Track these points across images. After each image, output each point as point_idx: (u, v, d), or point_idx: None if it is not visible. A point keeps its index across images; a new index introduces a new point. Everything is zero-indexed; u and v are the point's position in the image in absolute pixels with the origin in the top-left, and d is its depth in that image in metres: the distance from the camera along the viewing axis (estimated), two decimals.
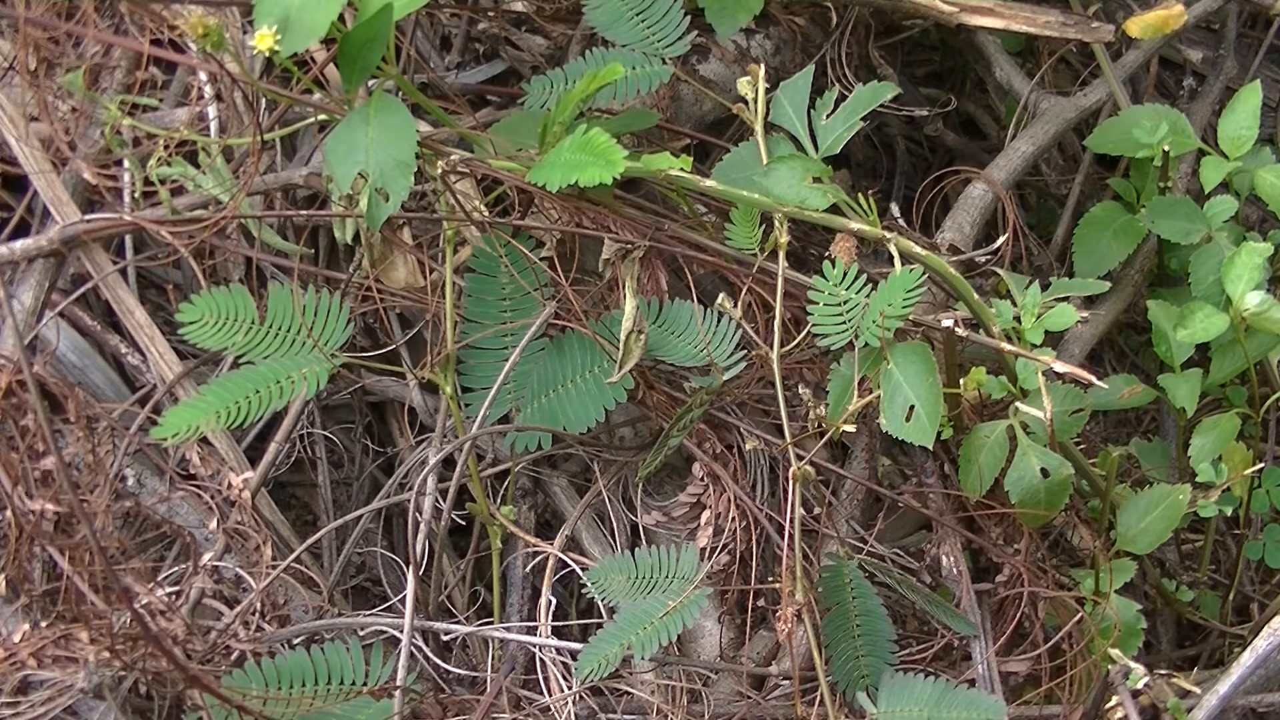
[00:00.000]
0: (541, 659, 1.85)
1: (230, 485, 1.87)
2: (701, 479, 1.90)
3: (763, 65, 1.88)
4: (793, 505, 1.73)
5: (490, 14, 2.18)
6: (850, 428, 1.73)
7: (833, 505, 1.88)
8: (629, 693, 1.85)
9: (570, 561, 1.89)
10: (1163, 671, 1.78)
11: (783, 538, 1.77)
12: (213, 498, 1.88)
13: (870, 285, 1.75)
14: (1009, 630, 1.83)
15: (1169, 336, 1.92)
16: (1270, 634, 1.75)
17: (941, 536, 1.87)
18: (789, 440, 1.74)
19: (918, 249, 1.74)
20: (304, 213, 1.96)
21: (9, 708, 1.66)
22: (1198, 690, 1.75)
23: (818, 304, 1.76)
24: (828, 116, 1.87)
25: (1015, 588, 1.84)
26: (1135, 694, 1.72)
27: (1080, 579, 1.87)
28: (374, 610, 1.90)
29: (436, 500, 1.87)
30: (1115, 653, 1.75)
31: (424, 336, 1.94)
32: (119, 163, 1.97)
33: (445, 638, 1.89)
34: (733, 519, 1.86)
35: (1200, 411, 1.94)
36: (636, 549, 1.85)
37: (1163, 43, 2.27)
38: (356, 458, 2.05)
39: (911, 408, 1.68)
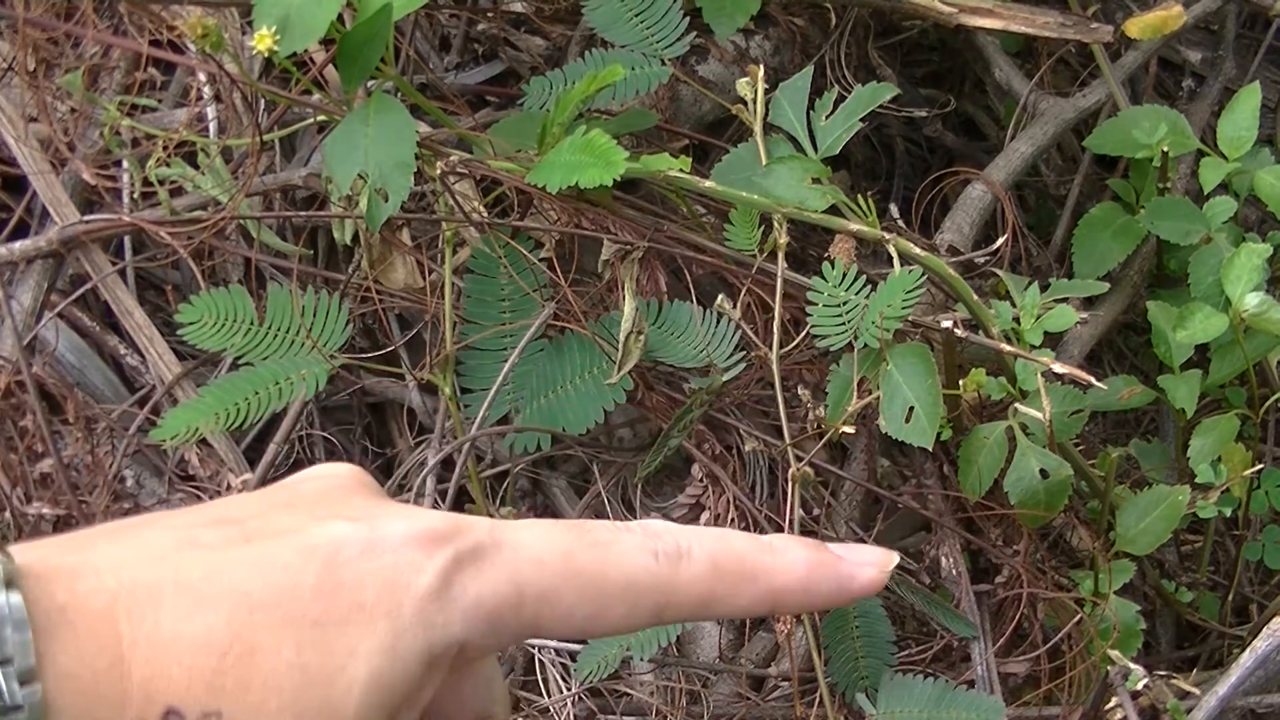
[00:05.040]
0: (540, 660, 1.85)
1: (229, 486, 1.86)
2: (700, 480, 1.90)
3: (762, 66, 1.87)
4: (792, 506, 1.73)
5: (489, 15, 2.17)
6: (849, 429, 1.72)
7: (832, 506, 1.88)
8: (628, 694, 1.85)
9: None
10: (1162, 672, 1.78)
11: None
12: (212, 498, 1.87)
13: (869, 286, 1.75)
14: (1008, 631, 1.83)
15: (1168, 337, 1.92)
16: (1269, 635, 1.75)
17: (941, 537, 1.87)
18: (788, 441, 1.74)
19: (917, 250, 1.74)
20: (303, 214, 1.96)
21: None
22: (1197, 691, 1.75)
23: (817, 305, 1.76)
24: (827, 117, 1.87)
25: (1014, 589, 1.83)
26: (1135, 695, 1.72)
27: (1079, 580, 1.87)
28: None
29: (436, 501, 1.87)
30: (1115, 654, 1.75)
31: (423, 337, 1.94)
32: (118, 163, 1.97)
33: None
34: (732, 520, 1.86)
35: (1199, 412, 1.94)
36: None
37: (1162, 44, 2.27)
38: (356, 459, 2.05)
39: (911, 409, 1.68)
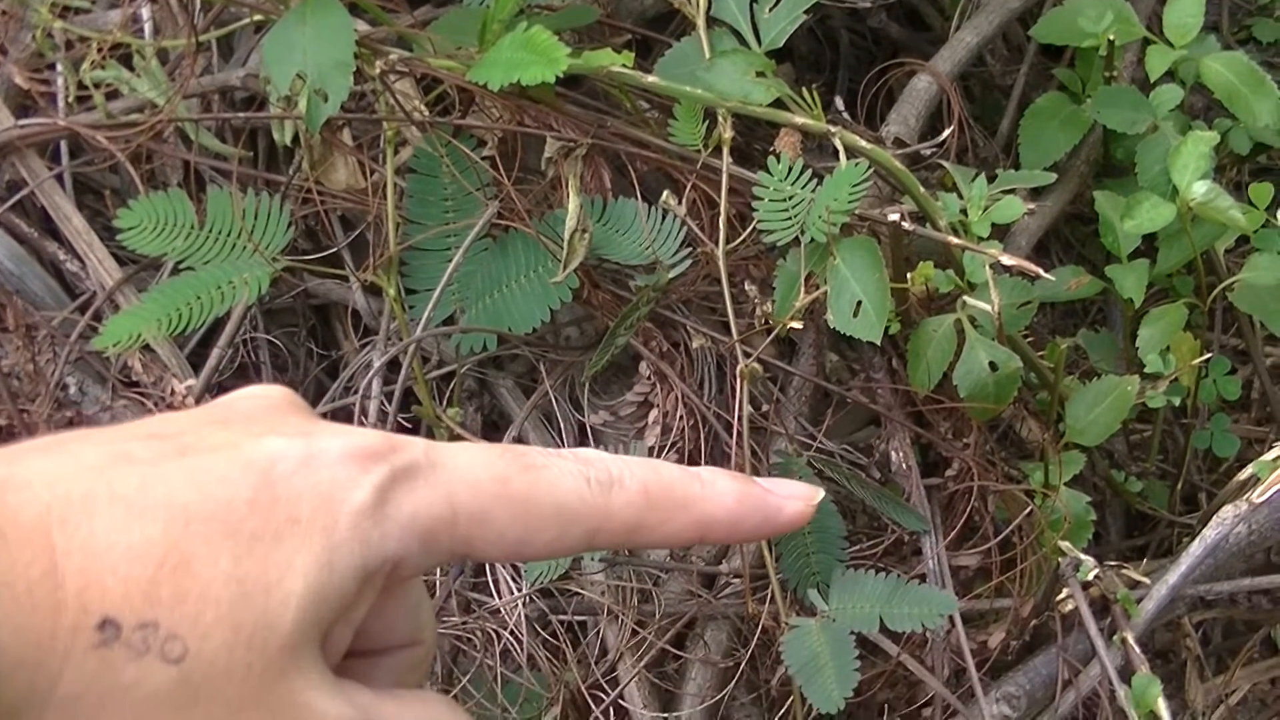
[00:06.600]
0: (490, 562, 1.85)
1: (174, 392, 1.85)
2: (648, 378, 1.89)
3: None
4: (741, 403, 1.72)
5: None
6: (797, 324, 1.72)
7: (781, 402, 1.87)
8: (579, 594, 1.85)
9: None
10: (1112, 562, 1.79)
11: (731, 435, 1.76)
12: (156, 405, 1.86)
13: (815, 180, 1.73)
14: (959, 525, 1.83)
15: (1115, 227, 1.91)
16: (1218, 523, 1.76)
17: (890, 432, 1.87)
18: (736, 338, 1.73)
19: (862, 143, 1.73)
20: (242, 115, 1.94)
21: None
22: (1147, 581, 1.76)
23: (763, 200, 1.75)
24: (770, 10, 1.85)
25: (965, 482, 1.83)
26: (1085, 585, 1.73)
27: (1030, 472, 1.87)
28: None
29: (382, 403, 1.86)
30: (1065, 545, 1.75)
31: (366, 238, 1.92)
32: (51, 67, 1.94)
33: None
34: (680, 417, 1.85)
35: (1147, 302, 1.93)
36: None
37: None
38: (301, 361, 2.03)
39: (859, 303, 1.67)
